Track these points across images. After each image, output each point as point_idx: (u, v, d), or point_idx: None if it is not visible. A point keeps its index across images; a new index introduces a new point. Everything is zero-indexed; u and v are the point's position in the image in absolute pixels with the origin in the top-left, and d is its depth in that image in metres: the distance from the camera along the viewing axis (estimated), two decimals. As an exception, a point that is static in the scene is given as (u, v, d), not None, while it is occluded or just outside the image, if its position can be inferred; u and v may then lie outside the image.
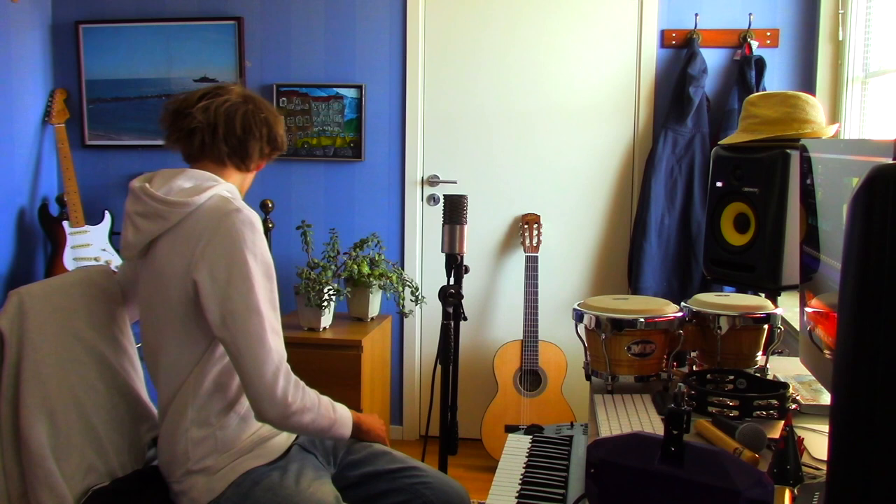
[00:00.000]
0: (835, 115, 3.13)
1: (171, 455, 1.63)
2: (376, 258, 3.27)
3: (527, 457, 1.64)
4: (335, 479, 1.76)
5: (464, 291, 1.97)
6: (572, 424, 1.87)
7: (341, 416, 1.69)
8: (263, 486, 1.60)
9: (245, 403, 1.62)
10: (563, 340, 3.35)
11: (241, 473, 1.61)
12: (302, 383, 1.59)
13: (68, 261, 3.49)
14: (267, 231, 3.46)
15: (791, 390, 1.53)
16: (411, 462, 1.82)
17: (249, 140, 1.69)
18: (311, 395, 1.61)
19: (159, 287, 1.59)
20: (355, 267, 3.19)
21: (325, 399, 1.66)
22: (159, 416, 1.67)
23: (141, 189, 1.60)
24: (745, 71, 3.21)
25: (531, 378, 3.37)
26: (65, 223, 3.53)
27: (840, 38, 3.12)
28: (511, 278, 3.57)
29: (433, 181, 3.58)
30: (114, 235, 3.60)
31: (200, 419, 1.60)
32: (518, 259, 3.52)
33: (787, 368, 1.84)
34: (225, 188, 1.63)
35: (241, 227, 1.54)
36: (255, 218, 1.58)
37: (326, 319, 3.19)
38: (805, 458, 1.32)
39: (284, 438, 1.73)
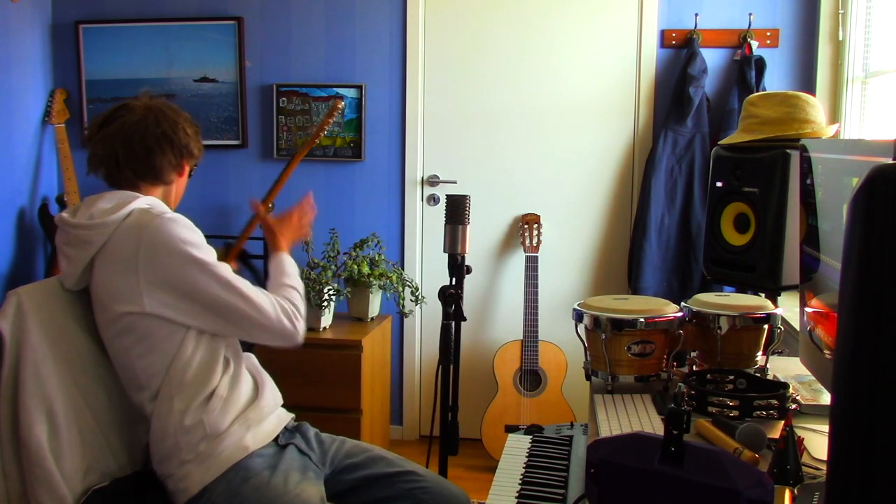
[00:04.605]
0: (835, 115, 3.13)
1: (163, 450, 1.64)
2: (376, 258, 3.27)
3: (527, 457, 1.64)
4: (331, 483, 1.76)
5: (464, 291, 1.97)
6: (572, 424, 1.87)
7: (298, 281, 1.88)
8: (252, 485, 1.61)
9: (225, 386, 1.66)
10: (563, 340, 3.35)
11: (233, 464, 1.62)
12: (289, 302, 1.72)
13: (68, 261, 3.48)
14: (267, 231, 3.46)
15: (791, 390, 1.53)
16: (409, 466, 1.81)
17: (153, 158, 1.71)
18: (298, 303, 1.76)
19: (110, 309, 1.62)
20: (355, 267, 3.19)
21: (295, 294, 1.78)
22: (148, 418, 1.67)
23: (59, 220, 1.66)
24: (745, 71, 3.21)
25: (531, 378, 3.37)
26: (65, 223, 3.53)
27: (840, 38, 3.12)
28: (511, 278, 3.57)
29: (433, 181, 3.58)
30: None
31: (187, 408, 1.62)
32: (518, 259, 3.52)
33: (787, 368, 1.83)
34: (145, 202, 1.67)
35: (168, 228, 1.59)
36: (179, 216, 1.63)
37: (326, 319, 3.19)
38: (805, 458, 1.32)
39: (272, 425, 1.72)
